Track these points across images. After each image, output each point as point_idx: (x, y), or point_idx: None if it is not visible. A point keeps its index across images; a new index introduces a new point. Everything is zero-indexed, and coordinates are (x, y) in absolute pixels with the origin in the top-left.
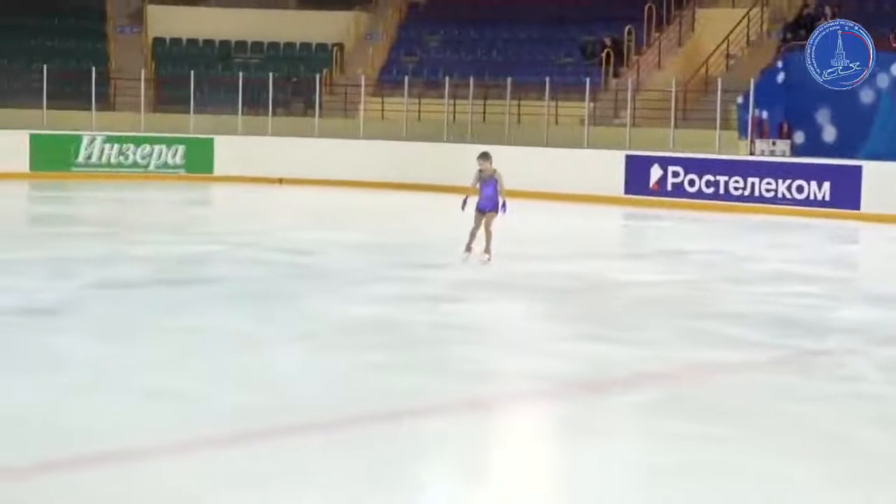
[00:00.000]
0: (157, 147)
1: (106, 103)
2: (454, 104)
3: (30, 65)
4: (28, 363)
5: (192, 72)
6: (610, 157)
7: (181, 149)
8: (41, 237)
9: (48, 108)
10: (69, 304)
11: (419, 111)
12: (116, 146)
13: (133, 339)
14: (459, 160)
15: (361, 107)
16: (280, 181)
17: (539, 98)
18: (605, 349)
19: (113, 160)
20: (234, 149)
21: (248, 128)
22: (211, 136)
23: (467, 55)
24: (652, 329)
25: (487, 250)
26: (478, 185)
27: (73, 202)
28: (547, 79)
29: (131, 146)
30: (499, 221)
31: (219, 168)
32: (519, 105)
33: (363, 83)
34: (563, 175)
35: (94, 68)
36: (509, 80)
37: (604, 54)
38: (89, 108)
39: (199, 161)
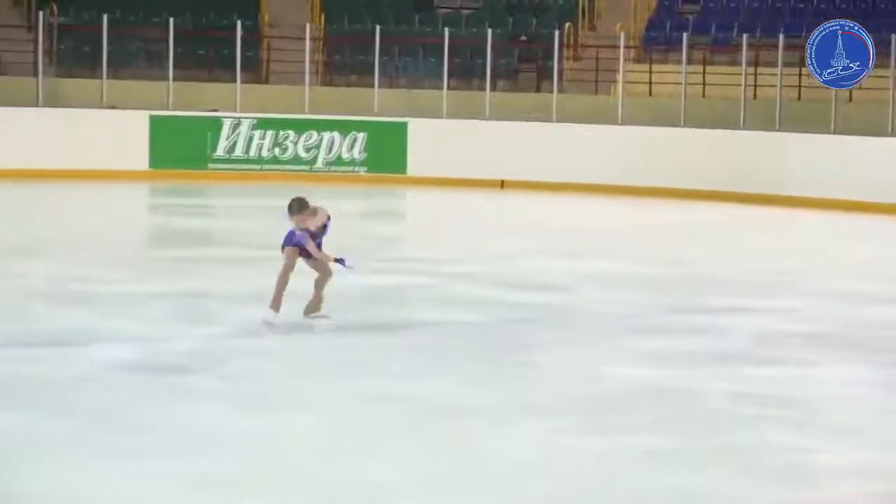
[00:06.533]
0: (326, 135)
1: (255, 73)
2: (755, 74)
3: (149, 18)
4: (144, 441)
5: (376, 27)
6: None
7: (361, 137)
8: (167, 265)
9: (175, 79)
10: (205, 358)
11: (703, 84)
12: (270, 133)
13: (295, 411)
14: (763, 156)
15: (620, 78)
16: (502, 184)
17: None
18: None
19: (265, 153)
20: (437, 138)
21: (456, 108)
22: (404, 120)
23: (776, 1)
24: None
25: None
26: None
27: (209, 213)
28: None
29: (291, 133)
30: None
31: (414, 165)
32: None
33: (622, 44)
34: None
35: (238, 23)
36: None
37: None
38: (233, 80)
39: (386, 155)
